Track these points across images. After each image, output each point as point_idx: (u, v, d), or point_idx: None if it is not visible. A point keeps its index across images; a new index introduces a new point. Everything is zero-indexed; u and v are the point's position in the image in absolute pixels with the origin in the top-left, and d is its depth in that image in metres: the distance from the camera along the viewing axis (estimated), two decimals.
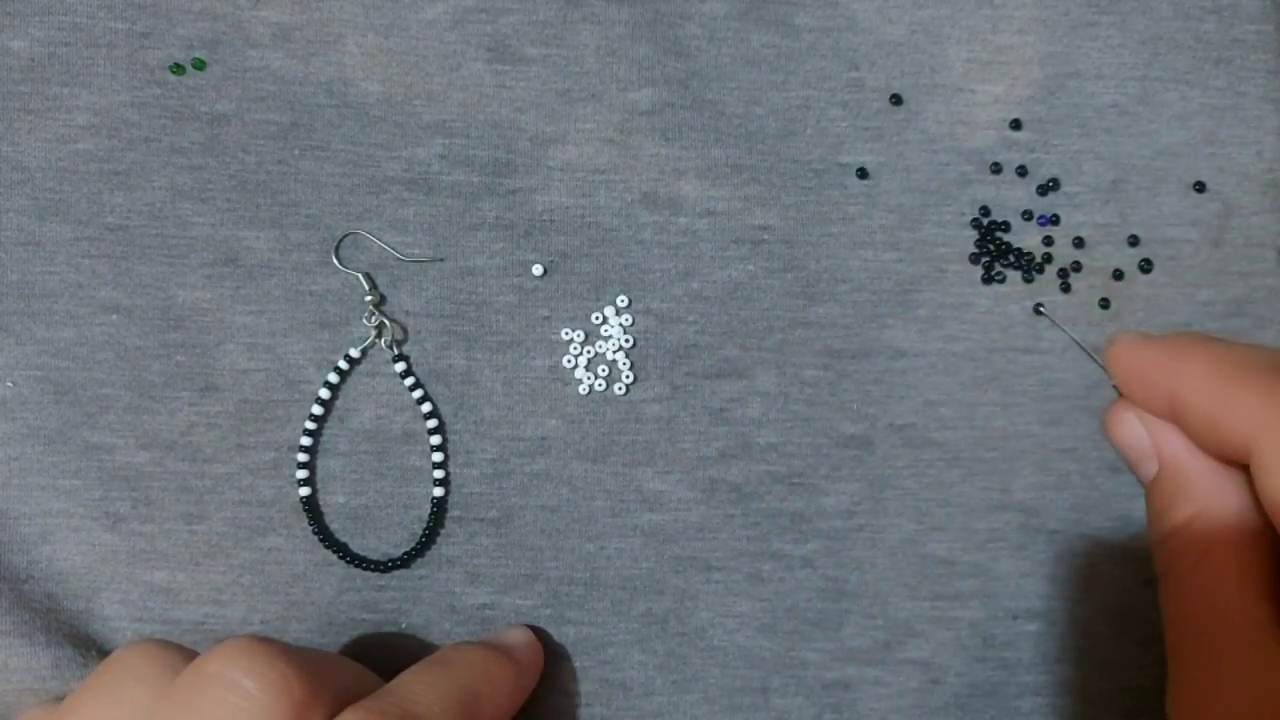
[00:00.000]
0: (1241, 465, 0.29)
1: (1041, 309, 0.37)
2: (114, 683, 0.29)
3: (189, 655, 0.29)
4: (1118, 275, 0.37)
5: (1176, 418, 0.30)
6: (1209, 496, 0.29)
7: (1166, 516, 0.30)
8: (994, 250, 0.37)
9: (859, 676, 0.36)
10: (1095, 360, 0.36)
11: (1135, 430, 0.31)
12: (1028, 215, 0.37)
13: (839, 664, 0.36)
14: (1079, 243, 0.37)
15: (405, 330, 0.36)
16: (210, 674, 0.27)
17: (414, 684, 0.30)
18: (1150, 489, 0.31)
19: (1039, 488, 0.37)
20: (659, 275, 0.36)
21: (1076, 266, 0.37)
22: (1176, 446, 0.30)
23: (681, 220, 0.37)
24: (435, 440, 0.35)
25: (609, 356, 0.36)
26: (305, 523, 0.35)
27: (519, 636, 0.34)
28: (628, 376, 0.36)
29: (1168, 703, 0.29)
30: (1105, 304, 0.37)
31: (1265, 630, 0.27)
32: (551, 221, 0.36)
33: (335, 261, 0.36)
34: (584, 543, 0.36)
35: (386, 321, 0.35)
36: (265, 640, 0.28)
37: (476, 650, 0.32)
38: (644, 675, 0.36)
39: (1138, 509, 0.36)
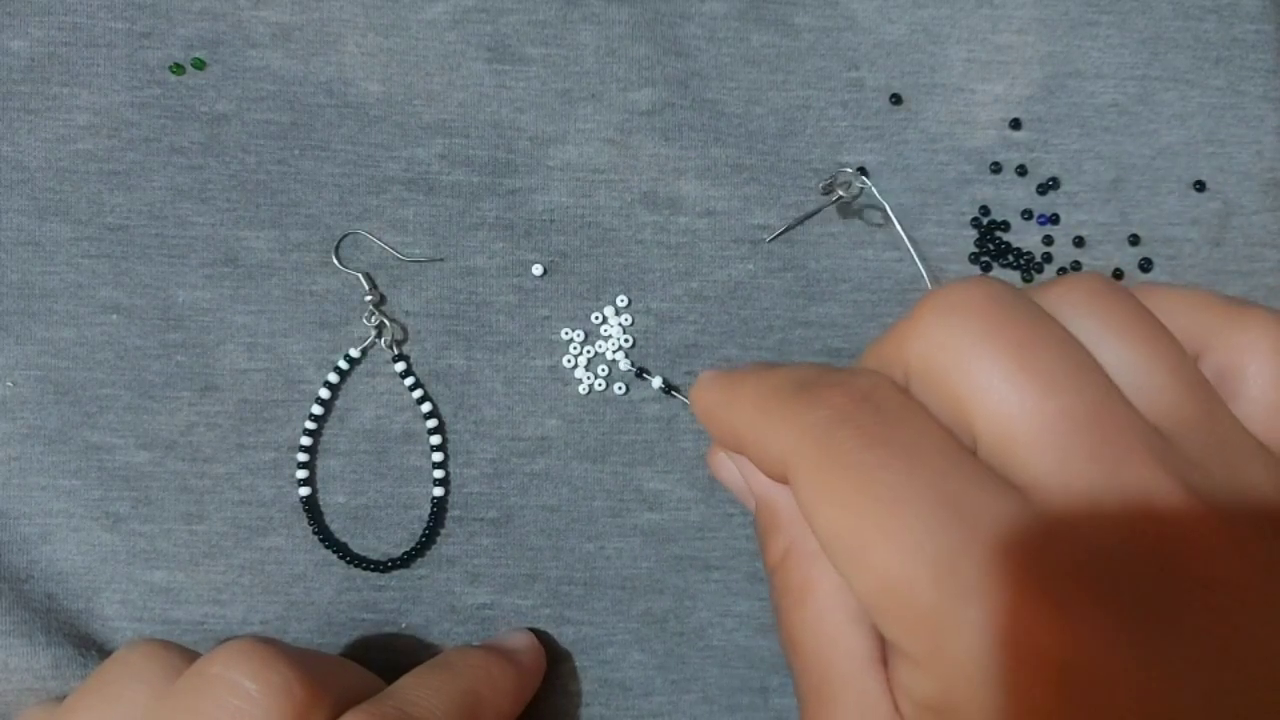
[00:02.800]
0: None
1: None
2: (114, 683, 0.29)
3: (190, 656, 0.30)
4: (1118, 275, 0.37)
5: (741, 452, 0.28)
6: (799, 530, 0.27)
7: (766, 552, 0.28)
8: (994, 250, 0.37)
9: None
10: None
11: (729, 468, 0.30)
12: (1028, 215, 0.37)
13: None
14: (1079, 242, 0.37)
15: (405, 330, 0.36)
16: (212, 676, 0.27)
17: (415, 686, 0.30)
18: (755, 525, 0.30)
19: None
20: (659, 275, 0.37)
21: (1076, 266, 0.37)
22: (763, 481, 0.28)
23: (681, 220, 0.37)
24: (435, 440, 0.35)
25: (609, 356, 0.36)
26: (305, 523, 0.35)
27: (521, 640, 0.34)
28: (628, 376, 0.36)
29: None
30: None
31: (864, 661, 0.25)
32: (551, 221, 0.36)
33: (335, 261, 0.36)
34: (584, 542, 0.36)
35: (386, 321, 0.35)
36: (267, 642, 0.28)
37: (479, 654, 0.32)
38: (643, 675, 0.36)
39: None
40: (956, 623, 0.21)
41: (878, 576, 0.22)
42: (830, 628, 0.26)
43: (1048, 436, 0.22)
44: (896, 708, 0.25)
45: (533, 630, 0.35)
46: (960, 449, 0.23)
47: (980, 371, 0.23)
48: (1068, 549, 0.21)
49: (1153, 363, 0.24)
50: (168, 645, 0.30)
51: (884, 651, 0.26)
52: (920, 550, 0.21)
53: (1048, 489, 0.22)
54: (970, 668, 0.21)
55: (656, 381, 0.36)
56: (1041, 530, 0.21)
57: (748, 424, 0.27)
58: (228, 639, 0.29)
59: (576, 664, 0.36)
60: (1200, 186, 0.37)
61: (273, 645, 0.28)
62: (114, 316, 0.35)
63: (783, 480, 0.25)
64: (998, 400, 0.22)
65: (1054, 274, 0.37)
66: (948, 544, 0.21)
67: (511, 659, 0.33)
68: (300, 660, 0.28)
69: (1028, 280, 0.37)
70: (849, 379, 0.25)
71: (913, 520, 0.21)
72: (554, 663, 0.35)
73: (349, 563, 0.35)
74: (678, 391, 0.36)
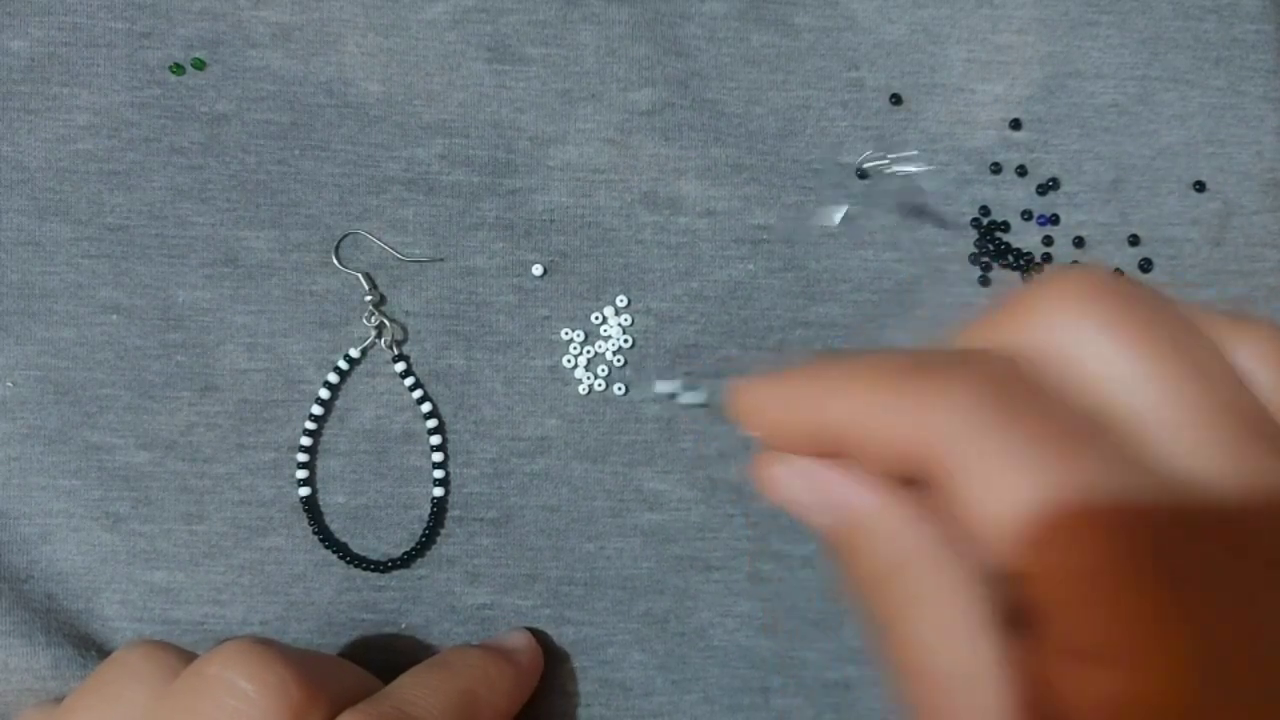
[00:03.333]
0: (927, 483, 0.25)
1: None
2: (113, 683, 0.29)
3: (188, 657, 0.29)
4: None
5: (838, 448, 0.25)
6: (912, 533, 0.25)
7: (862, 564, 0.26)
8: (994, 250, 0.37)
9: (859, 676, 0.36)
10: None
11: (796, 483, 0.27)
12: (1027, 215, 0.37)
13: (839, 664, 0.36)
14: (1079, 242, 0.37)
15: (405, 330, 0.36)
16: (209, 676, 0.27)
17: (413, 686, 0.30)
18: (834, 541, 0.27)
19: None
20: (659, 275, 0.36)
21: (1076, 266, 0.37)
22: (847, 487, 0.26)
23: (681, 220, 0.37)
24: (435, 440, 0.35)
25: (609, 356, 0.36)
26: (305, 523, 0.35)
27: (519, 640, 0.34)
28: (627, 376, 0.36)
29: None
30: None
31: (997, 666, 0.25)
32: (551, 221, 0.36)
33: (335, 261, 0.36)
34: (584, 543, 0.36)
35: (386, 321, 0.35)
36: (264, 642, 0.28)
37: (476, 653, 0.32)
38: (644, 675, 0.36)
39: None
40: (1156, 614, 0.20)
41: (1066, 556, 0.21)
42: (956, 632, 0.25)
43: (1195, 431, 0.22)
44: (1034, 712, 0.24)
45: (532, 630, 0.35)
46: (1118, 433, 0.23)
47: (1119, 360, 0.22)
48: (1248, 545, 0.21)
49: (1265, 361, 0.24)
50: (166, 646, 0.30)
51: (1017, 652, 0.25)
52: (1112, 533, 0.21)
53: (1210, 481, 0.21)
54: (1173, 664, 0.20)
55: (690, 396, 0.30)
56: (1221, 523, 0.21)
57: (863, 413, 0.25)
58: (226, 639, 0.29)
59: (577, 664, 0.36)
60: (1200, 187, 0.37)
61: (270, 645, 0.28)
62: (114, 316, 0.35)
63: (907, 470, 0.24)
64: (1140, 390, 0.22)
65: None
66: (1139, 529, 0.20)
67: (509, 658, 0.33)
68: (298, 660, 0.28)
69: (1028, 281, 0.37)
70: (985, 357, 0.24)
71: (1104, 501, 0.21)
72: (554, 663, 0.35)
73: (349, 563, 0.35)
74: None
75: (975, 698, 0.25)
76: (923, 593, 0.26)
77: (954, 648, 0.25)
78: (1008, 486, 0.22)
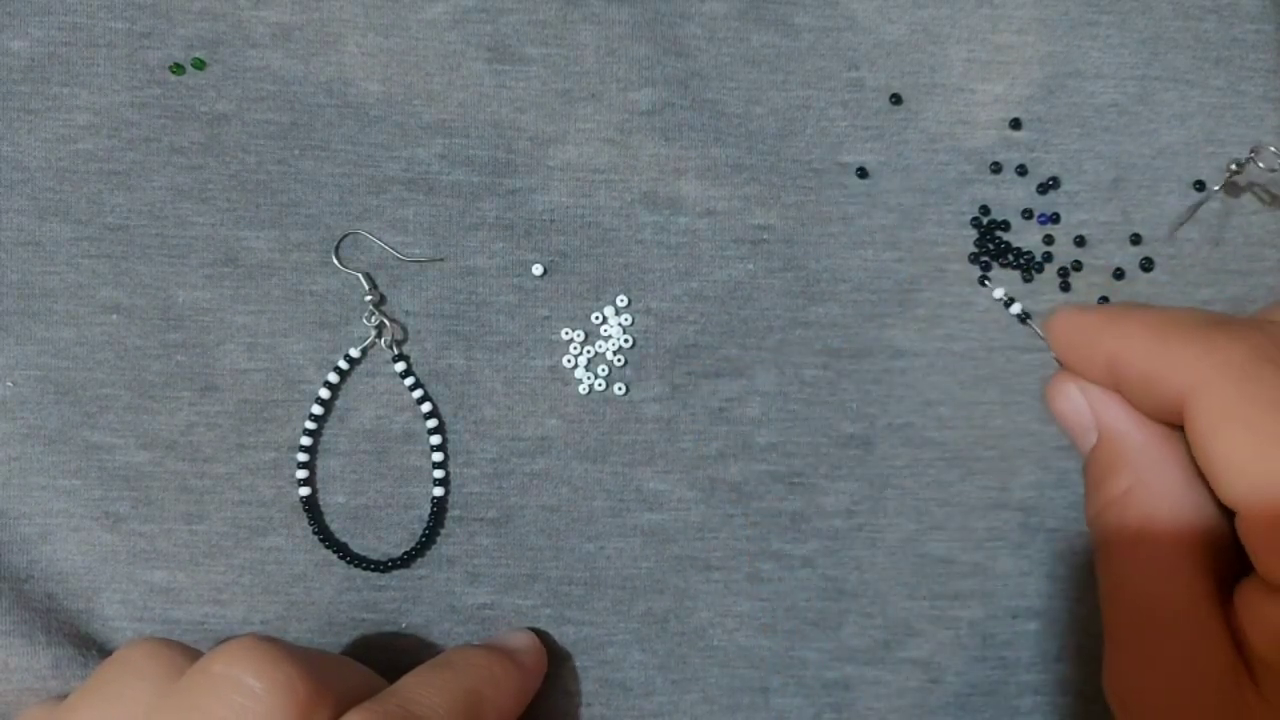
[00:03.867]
0: (1179, 425, 0.28)
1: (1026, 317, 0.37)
2: (116, 681, 0.29)
3: (192, 654, 0.30)
4: (1118, 274, 0.37)
5: (1116, 380, 0.30)
6: (1147, 467, 0.29)
7: (1103, 488, 0.29)
8: (994, 249, 0.37)
9: (858, 676, 0.36)
10: (1040, 335, 0.36)
11: (1075, 401, 0.31)
12: (1028, 214, 0.37)
13: (838, 663, 0.36)
14: (1080, 241, 0.37)
15: (405, 330, 0.36)
16: (215, 674, 0.27)
17: (418, 686, 0.30)
18: (1088, 460, 0.31)
19: (1038, 486, 0.37)
20: (659, 275, 0.37)
21: (1077, 265, 0.37)
22: (1115, 416, 0.30)
23: (681, 220, 0.37)
24: (435, 440, 0.35)
25: (609, 356, 0.36)
26: (305, 523, 0.35)
27: (523, 640, 0.34)
28: (627, 376, 0.36)
29: (1105, 677, 0.29)
30: (1105, 303, 0.37)
31: (1205, 600, 0.26)
32: (551, 221, 0.36)
33: (335, 261, 0.36)
34: (584, 543, 0.36)
35: (386, 321, 0.36)
36: (270, 640, 0.28)
37: (480, 653, 0.32)
38: (644, 675, 0.36)
39: None
40: None
41: None
42: (1169, 564, 0.27)
43: None
44: (1238, 650, 0.25)
45: (533, 630, 0.35)
46: None
47: None
48: None
49: None
50: (170, 643, 0.30)
51: (1222, 595, 0.27)
52: None
53: None
54: None
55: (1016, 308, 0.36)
56: None
57: (1141, 353, 0.28)
58: (229, 637, 0.29)
59: (577, 664, 0.36)
60: (1200, 186, 0.37)
61: (276, 643, 0.28)
62: (114, 316, 0.35)
63: (1165, 412, 0.27)
64: None
65: (1054, 274, 0.37)
66: None
67: (513, 658, 0.33)
68: (304, 658, 0.28)
69: (1028, 280, 0.37)
70: (1262, 325, 0.27)
71: None
72: (554, 663, 0.35)
73: (349, 563, 0.35)
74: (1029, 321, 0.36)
75: (1177, 626, 0.26)
76: (1142, 521, 0.28)
77: (1158, 576, 0.27)
78: (1244, 446, 0.24)
